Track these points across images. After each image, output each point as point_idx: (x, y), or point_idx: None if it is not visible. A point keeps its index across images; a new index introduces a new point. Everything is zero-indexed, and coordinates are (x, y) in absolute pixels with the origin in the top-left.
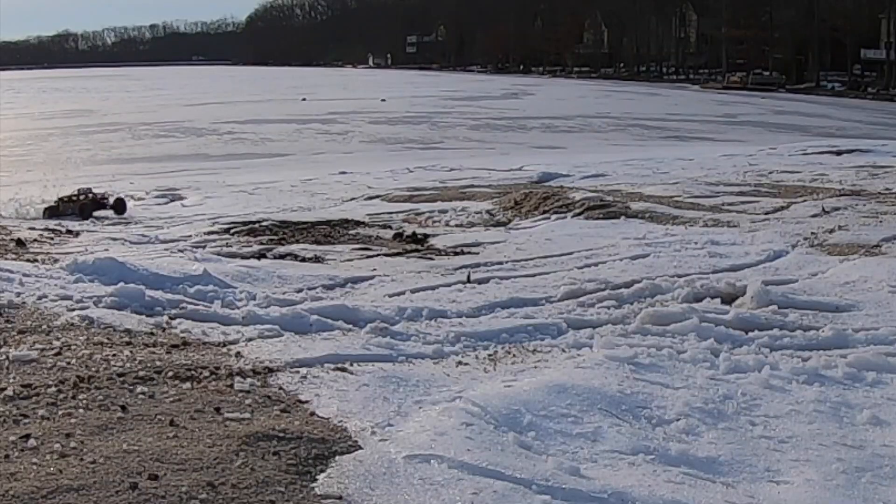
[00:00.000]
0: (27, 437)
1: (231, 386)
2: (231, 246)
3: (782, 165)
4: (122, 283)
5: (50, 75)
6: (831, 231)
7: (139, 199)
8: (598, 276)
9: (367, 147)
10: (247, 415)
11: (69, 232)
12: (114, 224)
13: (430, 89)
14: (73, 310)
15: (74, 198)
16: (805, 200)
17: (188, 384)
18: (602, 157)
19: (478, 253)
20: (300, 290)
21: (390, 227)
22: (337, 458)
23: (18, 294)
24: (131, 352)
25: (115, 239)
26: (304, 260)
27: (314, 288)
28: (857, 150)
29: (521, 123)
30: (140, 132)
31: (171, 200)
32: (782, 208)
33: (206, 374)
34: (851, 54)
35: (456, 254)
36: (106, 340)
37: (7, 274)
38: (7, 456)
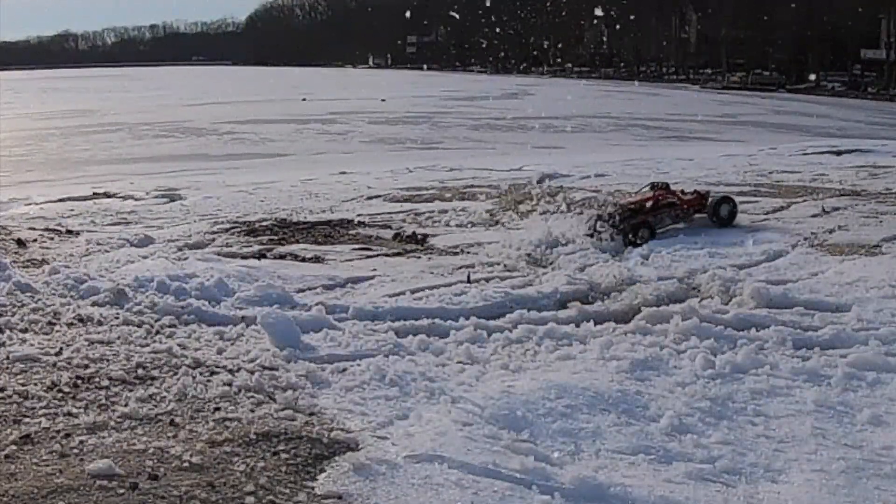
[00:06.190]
0: (27, 437)
1: (231, 385)
2: (231, 246)
3: (782, 165)
4: (122, 283)
5: (50, 75)
6: (831, 231)
7: (139, 199)
8: None
9: (367, 147)
10: (247, 415)
11: (69, 232)
12: (114, 224)
13: (430, 89)
14: (74, 309)
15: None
16: (805, 200)
17: (188, 383)
18: (602, 157)
19: (478, 253)
20: (300, 291)
21: (390, 227)
22: (337, 458)
23: (19, 294)
24: (131, 351)
25: (113, 238)
26: (304, 260)
27: (314, 288)
28: (857, 150)
29: (521, 123)
30: (140, 132)
31: (171, 200)
32: (782, 208)
33: (207, 373)
34: (851, 54)
35: (456, 254)
36: (106, 340)
37: (7, 274)
38: (7, 456)
